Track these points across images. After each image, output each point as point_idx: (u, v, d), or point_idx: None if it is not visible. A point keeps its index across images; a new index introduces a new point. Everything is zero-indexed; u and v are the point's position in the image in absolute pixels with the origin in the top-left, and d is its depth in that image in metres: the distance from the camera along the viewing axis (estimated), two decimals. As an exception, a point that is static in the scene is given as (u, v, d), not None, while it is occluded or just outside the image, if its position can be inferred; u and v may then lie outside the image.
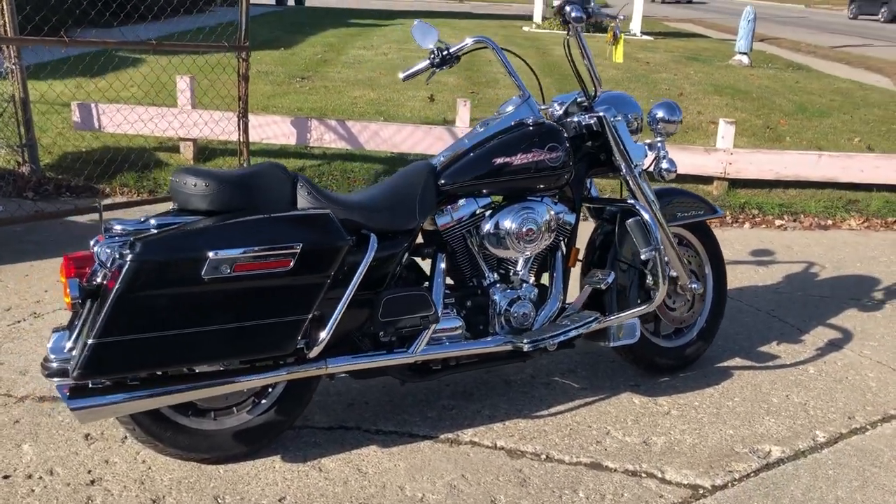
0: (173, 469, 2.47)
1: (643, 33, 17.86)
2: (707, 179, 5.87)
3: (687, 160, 5.66)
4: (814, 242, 5.13)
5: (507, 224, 2.67)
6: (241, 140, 5.47)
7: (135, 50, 9.52)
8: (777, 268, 4.59)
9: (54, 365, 2.22)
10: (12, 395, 2.85)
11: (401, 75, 3.14)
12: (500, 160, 2.69)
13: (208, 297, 2.14)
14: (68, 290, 2.10)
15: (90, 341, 2.04)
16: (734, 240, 5.05)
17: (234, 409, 2.51)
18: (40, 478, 2.41)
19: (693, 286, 3.08)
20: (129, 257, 2.05)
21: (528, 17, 19.78)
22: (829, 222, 5.53)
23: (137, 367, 2.13)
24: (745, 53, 12.57)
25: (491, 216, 2.71)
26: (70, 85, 7.08)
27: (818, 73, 12.76)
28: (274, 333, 2.24)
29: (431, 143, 5.78)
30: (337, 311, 2.34)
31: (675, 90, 9.52)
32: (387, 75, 9.76)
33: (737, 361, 3.37)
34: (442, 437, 2.72)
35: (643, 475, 2.55)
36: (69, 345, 2.21)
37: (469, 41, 3.08)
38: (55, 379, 2.22)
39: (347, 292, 2.36)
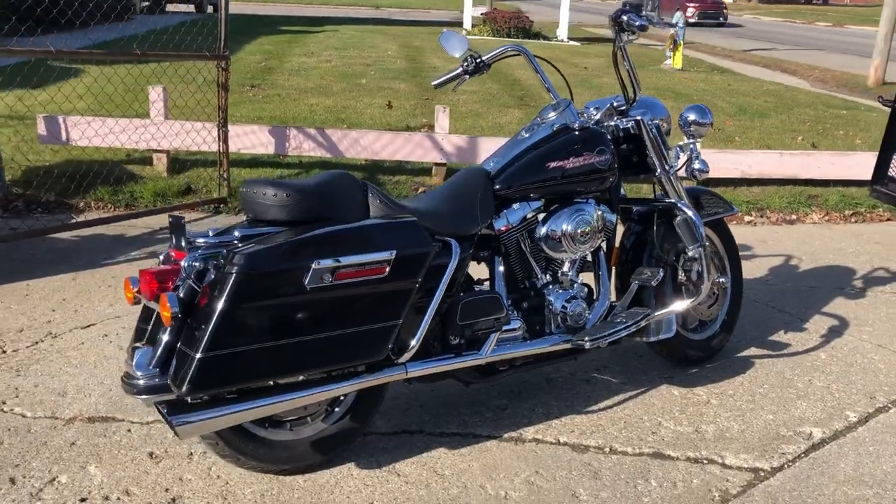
0: (251, 483, 2.45)
1: (570, 39, 18.31)
2: (676, 179, 6.09)
3: (658, 161, 5.87)
4: (784, 237, 5.40)
5: (564, 226, 2.76)
6: (221, 150, 5.39)
7: (76, 60, 9.23)
8: (759, 261, 4.82)
9: (141, 382, 2.18)
10: (59, 418, 2.76)
11: (433, 83, 3.20)
12: (553, 164, 2.78)
13: (311, 307, 2.14)
14: (168, 305, 2.07)
15: (198, 356, 2.02)
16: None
17: (309, 418, 2.51)
18: (118, 499, 2.35)
19: (721, 280, 3.23)
20: (235, 269, 2.04)
21: (456, 24, 19.96)
22: (794, 217, 5.83)
23: (244, 379, 2.11)
24: (675, 58, 13.05)
25: (546, 219, 2.79)
26: (8, 98, 6.77)
27: (743, 76, 13.37)
28: (369, 340, 2.26)
29: (412, 150, 5.82)
30: (427, 316, 2.38)
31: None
32: (338, 82, 9.74)
33: (753, 351, 3.54)
34: (505, 436, 2.77)
35: (705, 462, 2.67)
36: (155, 360, 2.18)
37: (503, 49, 3.16)
38: (144, 396, 2.18)
39: (436, 297, 2.40)
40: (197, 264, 2.19)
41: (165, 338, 2.20)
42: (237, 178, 5.69)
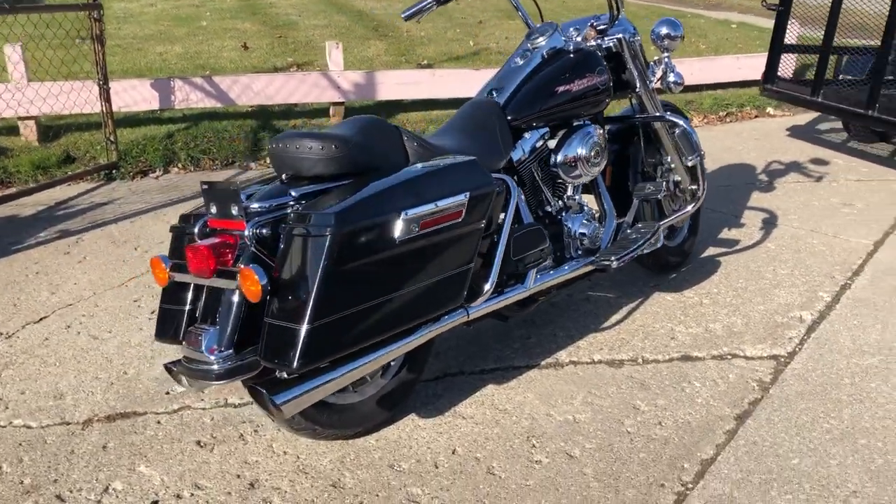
0: (323, 453, 2.34)
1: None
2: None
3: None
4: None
5: (580, 150, 2.77)
6: (105, 111, 4.89)
7: None
8: (670, 167, 5.09)
9: (216, 367, 2.00)
10: (72, 422, 2.48)
11: (403, 14, 3.07)
12: (562, 88, 2.76)
13: (401, 260, 2.03)
14: (257, 278, 1.89)
15: (305, 327, 1.87)
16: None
17: (368, 377, 2.41)
18: (192, 494, 2.17)
19: (693, 187, 3.39)
20: (328, 230, 1.89)
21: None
22: (677, 123, 6.17)
23: (348, 345, 1.98)
24: (505, -22, 13.20)
25: (560, 145, 2.79)
26: None
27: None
28: (450, 287, 2.18)
29: (308, 90, 5.56)
30: (498, 255, 2.34)
31: (471, 20, 9.83)
32: (176, 27, 9.03)
33: (712, 251, 3.77)
34: (542, 363, 2.81)
35: (729, 357, 2.85)
36: (226, 341, 2.01)
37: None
38: (224, 381, 2.01)
39: (504, 235, 2.35)
40: (265, 231, 2.02)
41: (233, 315, 2.03)
42: (122, 139, 5.20)
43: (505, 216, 2.39)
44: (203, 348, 2.01)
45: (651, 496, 2.15)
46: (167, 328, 2.20)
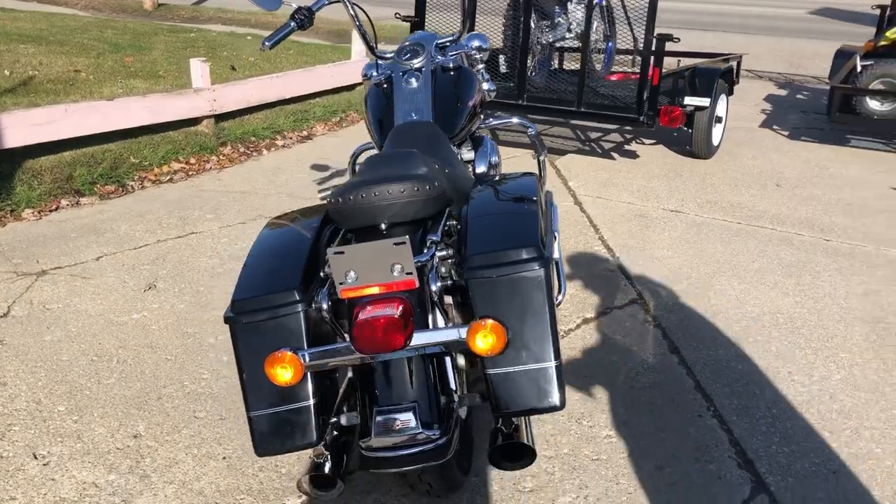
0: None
1: None
2: (196, 120, 5.92)
3: (183, 104, 5.68)
4: (331, 151, 5.96)
5: (494, 158, 2.96)
6: None
7: None
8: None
9: (432, 446, 1.82)
10: None
11: (266, 43, 2.85)
12: (470, 103, 2.90)
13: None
14: (502, 326, 1.76)
15: (554, 363, 1.82)
16: (272, 169, 5.50)
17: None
18: None
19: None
20: (537, 266, 1.85)
21: None
22: (306, 133, 6.39)
23: (564, 373, 1.96)
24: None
25: (478, 157, 2.93)
26: None
27: (22, 12, 12.35)
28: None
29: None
30: (561, 262, 2.44)
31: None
32: None
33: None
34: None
35: (609, 311, 3.38)
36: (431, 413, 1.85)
37: (324, -2, 3.00)
38: (451, 454, 1.84)
39: (558, 247, 2.46)
40: (447, 283, 1.88)
41: (431, 381, 1.87)
42: None
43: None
44: (418, 427, 1.80)
45: (703, 427, 2.59)
46: (288, 434, 1.84)
